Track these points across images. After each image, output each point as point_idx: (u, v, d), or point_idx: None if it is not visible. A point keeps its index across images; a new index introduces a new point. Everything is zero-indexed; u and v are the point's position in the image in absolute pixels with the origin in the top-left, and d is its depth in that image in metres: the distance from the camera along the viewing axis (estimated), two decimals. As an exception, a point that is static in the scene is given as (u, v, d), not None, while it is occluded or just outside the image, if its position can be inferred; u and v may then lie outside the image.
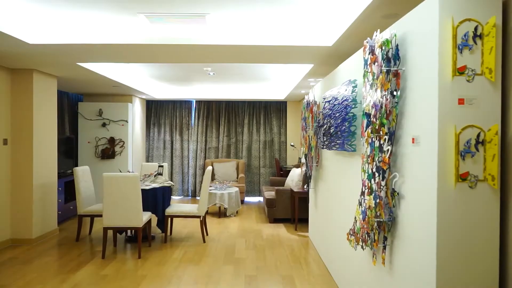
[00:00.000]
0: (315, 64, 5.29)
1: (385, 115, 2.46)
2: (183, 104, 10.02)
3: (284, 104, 10.04)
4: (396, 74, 2.41)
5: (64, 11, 3.59)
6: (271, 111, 10.01)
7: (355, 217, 2.99)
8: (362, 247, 2.88)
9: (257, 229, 6.58)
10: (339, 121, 3.67)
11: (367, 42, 2.74)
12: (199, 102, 10.00)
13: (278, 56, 4.80)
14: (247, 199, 9.72)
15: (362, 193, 2.84)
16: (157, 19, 3.73)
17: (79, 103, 8.30)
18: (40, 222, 5.82)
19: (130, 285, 4.08)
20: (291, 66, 6.12)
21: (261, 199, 9.74)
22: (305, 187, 6.49)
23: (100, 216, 5.63)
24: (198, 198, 9.77)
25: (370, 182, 2.68)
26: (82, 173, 5.91)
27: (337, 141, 3.75)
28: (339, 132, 3.68)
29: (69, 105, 8.17)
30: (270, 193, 7.37)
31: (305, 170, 5.71)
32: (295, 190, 6.51)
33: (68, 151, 7.55)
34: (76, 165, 8.23)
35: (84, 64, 5.42)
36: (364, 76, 2.80)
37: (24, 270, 4.52)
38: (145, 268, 4.60)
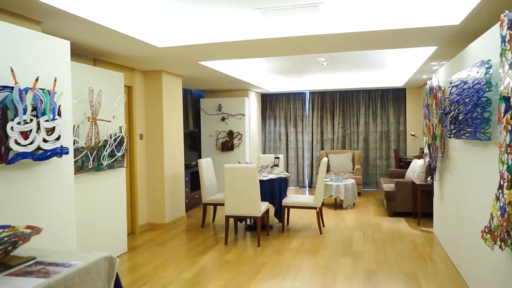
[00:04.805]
0: (439, 46, 4.85)
1: (529, 98, 2.15)
2: (297, 96, 10.09)
3: (402, 91, 9.46)
4: (544, 50, 2.08)
5: (186, 11, 3.87)
6: (389, 99, 9.51)
7: (491, 213, 2.69)
8: (500, 247, 2.57)
9: (375, 222, 6.34)
10: (469, 107, 3.32)
11: (505, 16, 2.41)
12: (312, 93, 9.97)
13: (396, 41, 4.53)
14: (364, 191, 9.43)
15: (500, 187, 2.53)
16: (271, 13, 3.79)
17: (201, 99, 8.92)
18: (171, 209, 6.43)
19: (251, 271, 4.27)
20: (411, 50, 5.72)
21: (379, 191, 9.37)
22: (428, 179, 6.04)
23: (222, 205, 6.00)
24: (309, 188, 9.79)
25: (511, 174, 2.37)
26: (206, 165, 6.35)
27: (467, 129, 3.40)
28: (469, 119, 3.33)
29: (192, 101, 8.84)
30: (389, 185, 7.03)
31: (429, 161, 5.31)
32: (417, 182, 6.10)
33: (192, 144, 8.19)
34: (200, 157, 8.88)
35: (205, 63, 5.80)
36: (501, 55, 2.48)
37: (159, 251, 5.04)
38: (264, 256, 4.77)
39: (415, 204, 6.43)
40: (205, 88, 8.87)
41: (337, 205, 7.58)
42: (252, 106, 9.37)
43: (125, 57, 5.14)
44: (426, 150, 5.52)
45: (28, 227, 1.89)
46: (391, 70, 7.53)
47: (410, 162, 8.06)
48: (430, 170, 5.39)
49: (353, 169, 9.06)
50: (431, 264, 4.41)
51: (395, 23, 3.96)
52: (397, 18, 3.94)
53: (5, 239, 1.71)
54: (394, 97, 9.51)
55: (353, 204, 7.70)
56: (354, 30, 4.07)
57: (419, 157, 7.59)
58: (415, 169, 6.87)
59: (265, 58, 6.21)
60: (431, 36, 4.34)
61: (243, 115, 8.69)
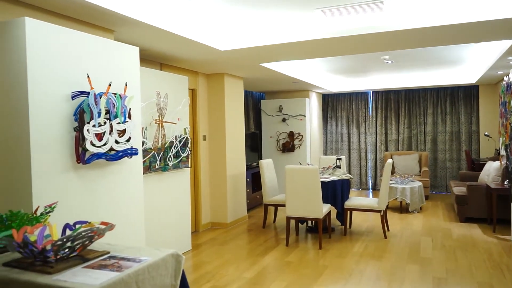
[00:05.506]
0: (518, 38, 4.49)
1: None
2: (359, 96, 9.83)
3: (475, 88, 8.87)
4: None
5: (247, 13, 3.91)
6: (459, 98, 8.97)
7: None
8: None
9: (445, 228, 6.00)
10: (554, 104, 3.03)
11: None
12: (376, 92, 9.66)
13: (469, 35, 4.25)
14: (432, 194, 8.96)
15: None
16: (334, 12, 3.73)
17: (261, 101, 9.00)
18: (233, 209, 6.54)
19: (313, 273, 4.22)
20: (484, 44, 5.35)
21: (448, 195, 8.86)
22: (505, 183, 5.61)
23: (283, 206, 6.00)
24: (373, 191, 9.48)
25: None
26: (267, 166, 6.39)
27: (552, 129, 3.11)
28: (554, 118, 3.04)
29: (253, 103, 8.94)
30: (460, 189, 6.62)
31: (506, 163, 4.92)
32: (492, 186, 5.68)
33: (253, 145, 8.27)
34: (261, 158, 8.95)
35: (266, 64, 5.84)
36: None
37: (222, 250, 5.15)
38: (326, 259, 4.69)
39: (490, 210, 5.99)
40: (266, 90, 8.93)
41: (402, 209, 7.28)
42: (313, 107, 9.28)
43: (189, 61, 5.31)
44: (502, 152, 5.13)
45: (102, 223, 2.01)
46: (462, 66, 7.10)
47: (484, 164, 7.55)
48: (507, 173, 5.01)
49: (420, 171, 8.65)
50: (509, 274, 4.08)
51: (468, 16, 3.72)
52: (469, 10, 3.70)
53: (83, 233, 1.84)
54: (465, 95, 8.95)
55: (420, 208, 7.35)
56: (422, 25, 3.88)
57: (494, 159, 7.07)
58: (490, 172, 6.41)
59: (327, 58, 6.12)
60: (507, 28, 4.02)
61: (304, 116, 8.63)
